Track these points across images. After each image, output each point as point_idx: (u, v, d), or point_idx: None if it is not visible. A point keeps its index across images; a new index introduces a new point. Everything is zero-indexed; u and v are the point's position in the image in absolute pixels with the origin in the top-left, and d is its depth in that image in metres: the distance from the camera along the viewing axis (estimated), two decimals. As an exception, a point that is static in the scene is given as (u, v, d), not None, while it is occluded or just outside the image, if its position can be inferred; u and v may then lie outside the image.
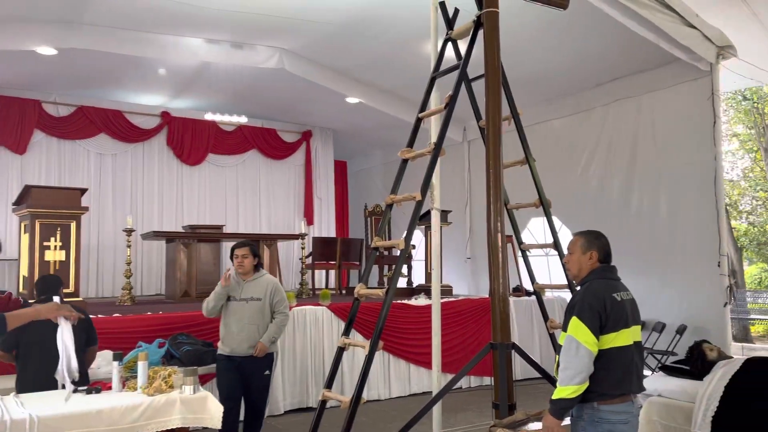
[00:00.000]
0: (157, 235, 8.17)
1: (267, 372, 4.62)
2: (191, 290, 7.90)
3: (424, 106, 4.48)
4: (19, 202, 6.35)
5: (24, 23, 7.02)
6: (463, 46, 4.44)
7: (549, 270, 8.63)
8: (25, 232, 6.03)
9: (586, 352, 2.59)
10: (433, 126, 4.62)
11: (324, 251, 9.51)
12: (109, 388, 3.66)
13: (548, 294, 7.22)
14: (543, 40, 7.31)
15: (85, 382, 3.74)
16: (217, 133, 10.85)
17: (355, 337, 6.30)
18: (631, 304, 2.79)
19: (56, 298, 3.75)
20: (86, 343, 3.98)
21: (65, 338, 3.49)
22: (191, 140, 10.57)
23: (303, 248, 9.30)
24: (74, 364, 3.51)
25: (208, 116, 10.39)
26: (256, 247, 4.73)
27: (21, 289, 6.18)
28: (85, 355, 4.00)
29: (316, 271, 9.89)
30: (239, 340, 4.49)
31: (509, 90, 4.59)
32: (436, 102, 4.57)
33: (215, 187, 10.88)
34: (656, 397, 4.12)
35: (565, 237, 8.33)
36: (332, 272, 9.77)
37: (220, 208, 10.86)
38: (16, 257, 6.99)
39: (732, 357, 4.28)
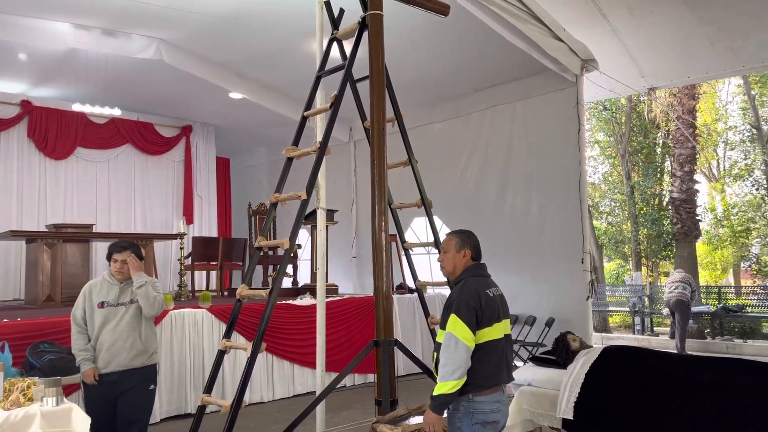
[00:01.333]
0: (14, 234, 7.45)
1: (152, 386, 4.01)
2: (56, 294, 7.29)
3: (309, 104, 4.46)
4: None
5: None
6: (348, 47, 4.47)
7: (431, 268, 8.92)
8: None
9: (464, 348, 2.71)
10: (318, 125, 4.61)
11: (205, 251, 9.16)
12: (-45, 405, 3.28)
13: (429, 291, 7.45)
14: (426, 45, 7.54)
15: None
16: (87, 125, 10.10)
17: (238, 339, 6.14)
18: (501, 299, 2.97)
19: None
20: None
21: None
22: (56, 132, 9.75)
23: (182, 248, 8.89)
24: None
25: (77, 107, 9.59)
26: (140, 248, 4.08)
27: None
28: None
29: (196, 273, 9.50)
30: (115, 352, 3.83)
31: (393, 92, 4.68)
32: (321, 101, 4.57)
33: (84, 184, 10.12)
34: (526, 387, 4.39)
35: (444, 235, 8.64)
36: (213, 273, 9.44)
37: (90, 205, 10.11)
38: None
39: (592, 346, 4.66)
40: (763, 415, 3.20)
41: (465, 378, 2.72)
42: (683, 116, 13.29)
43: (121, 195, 10.54)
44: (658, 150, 16.25)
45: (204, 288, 9.22)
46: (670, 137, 14.42)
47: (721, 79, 14.33)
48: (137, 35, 7.68)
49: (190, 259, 9.15)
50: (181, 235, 8.77)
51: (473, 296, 2.81)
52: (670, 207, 14.43)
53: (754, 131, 15.48)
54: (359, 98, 4.95)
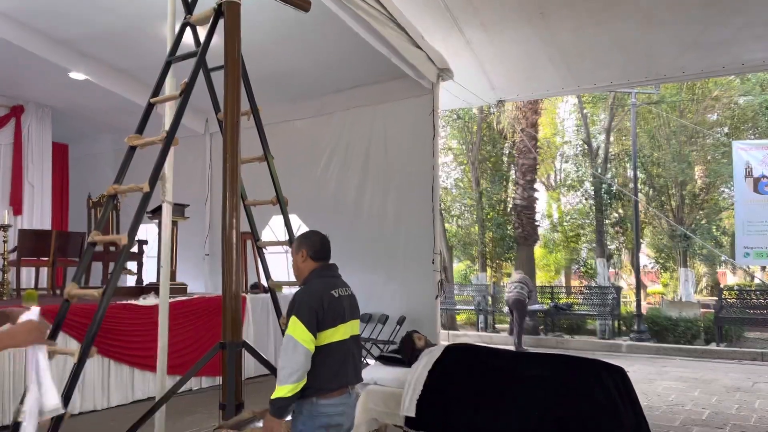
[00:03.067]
0: None
1: None
2: None
3: (157, 90, 4.18)
4: None
5: None
6: (203, 34, 4.25)
7: (288, 267, 8.79)
8: None
9: (303, 350, 2.67)
10: (167, 113, 4.34)
11: (35, 246, 8.25)
12: None
13: (285, 291, 7.34)
14: (288, 41, 7.42)
15: None
16: None
17: (68, 343, 5.59)
18: (350, 299, 2.97)
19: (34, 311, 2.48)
20: None
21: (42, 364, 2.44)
22: None
23: (6, 242, 7.94)
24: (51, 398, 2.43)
25: None
26: None
27: None
28: None
29: (24, 269, 8.54)
30: None
31: (249, 85, 4.54)
32: (171, 88, 4.31)
33: None
34: (373, 386, 4.46)
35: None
36: (45, 270, 8.54)
37: None
38: None
39: (437, 344, 4.86)
40: (571, 403, 3.54)
41: (304, 381, 2.69)
42: (527, 129, 14.39)
43: (-69, 179, 9.20)
44: (505, 159, 17.44)
45: (32, 286, 8.32)
46: (515, 148, 15.53)
47: (559, 96, 15.72)
48: (-45, -2, 6.73)
49: (15, 253, 8.20)
50: (5, 227, 7.82)
51: (315, 297, 2.78)
52: (513, 213, 15.54)
53: (586, 146, 17.17)
54: (213, 89, 4.74)
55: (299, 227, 8.29)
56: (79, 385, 5.61)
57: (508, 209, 16.69)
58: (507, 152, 17.26)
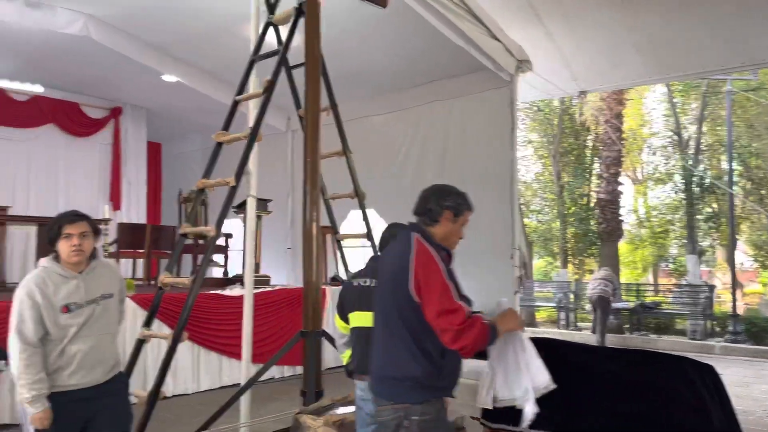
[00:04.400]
0: None
1: (131, 396, 3.23)
2: (-35, 280, 6.85)
3: (242, 89, 4.37)
4: None
5: None
6: (285, 33, 4.39)
7: (365, 260, 8.92)
8: None
9: (335, 329, 3.41)
10: (251, 111, 4.52)
11: (132, 239, 8.82)
12: None
13: (363, 283, 7.43)
14: (366, 37, 7.52)
15: None
16: (6, 102, 9.51)
17: (162, 329, 5.95)
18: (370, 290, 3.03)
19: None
20: None
21: (527, 346, 2.74)
22: (-28, 108, 9.15)
23: (107, 235, 8.54)
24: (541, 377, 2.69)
25: (-5, 82, 9.08)
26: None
27: None
28: None
29: (122, 260, 9.14)
30: (90, 365, 2.83)
31: (329, 81, 4.66)
32: (255, 86, 4.48)
33: (1, 164, 9.53)
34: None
35: (382, 228, 8.61)
36: (141, 261, 9.11)
37: (7, 187, 9.52)
38: None
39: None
40: (654, 400, 3.40)
41: (343, 355, 3.15)
42: (611, 120, 13.85)
43: (42, 177, 10.00)
44: (588, 152, 16.86)
45: (130, 276, 8.89)
46: (599, 140, 14.99)
47: (646, 86, 15.00)
48: (63, 9, 7.27)
49: (115, 246, 8.80)
50: (106, 221, 8.42)
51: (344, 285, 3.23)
52: (596, 207, 15.02)
53: (675, 138, 16.31)
54: (294, 86, 4.89)
55: (377, 221, 8.39)
56: (172, 370, 5.95)
57: (591, 203, 16.14)
58: (590, 144, 16.69)
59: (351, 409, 3.39)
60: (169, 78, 9.00)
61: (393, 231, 3.01)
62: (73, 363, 2.76)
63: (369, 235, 4.84)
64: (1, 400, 5.17)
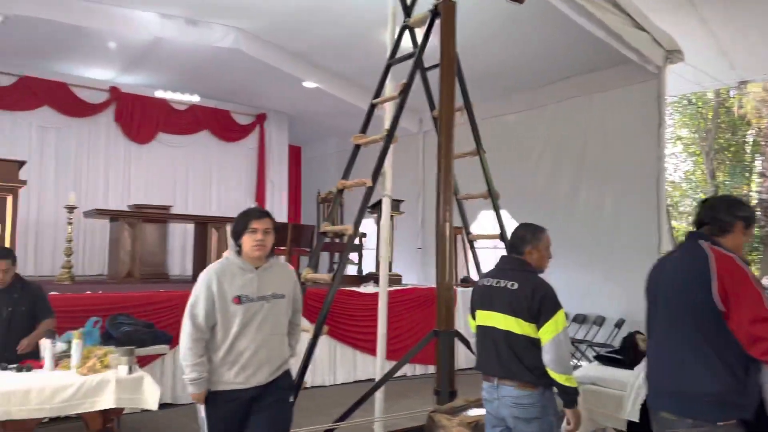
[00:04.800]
0: (100, 213, 7.92)
1: (292, 399, 3.16)
2: (134, 271, 7.70)
3: (378, 92, 4.48)
4: (-49, 173, 6.03)
5: (-38, -16, 6.66)
6: (420, 35, 4.44)
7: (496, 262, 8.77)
8: (-44, 205, 5.75)
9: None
10: (387, 113, 4.62)
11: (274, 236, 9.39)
12: (41, 366, 3.54)
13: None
14: (500, 35, 7.39)
15: (36, 357, 3.63)
16: (168, 111, 10.56)
17: (302, 322, 6.27)
18: (502, 290, 2.94)
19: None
20: (30, 314, 3.85)
21: None
22: (141, 118, 10.25)
23: (253, 232, 9.16)
24: None
25: (159, 94, 10.10)
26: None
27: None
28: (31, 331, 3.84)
29: (266, 256, 9.76)
30: (258, 363, 2.83)
31: (464, 82, 4.64)
32: (391, 89, 4.58)
33: (164, 167, 10.59)
34: (591, 386, 4.25)
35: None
36: (282, 258, 9.68)
37: (169, 188, 10.58)
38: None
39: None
40: None
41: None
42: (777, 113, 12.44)
43: (198, 179, 10.97)
44: (748, 148, 15.27)
45: (272, 272, 9.45)
46: (761, 134, 13.52)
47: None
48: (217, 24, 7.94)
49: (260, 243, 9.41)
50: (252, 220, 9.02)
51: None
52: (758, 209, 13.57)
53: None
54: (429, 87, 4.92)
55: (509, 222, 8.21)
56: (311, 362, 6.25)
57: (752, 205, 14.60)
58: (751, 140, 15.09)
59: (483, 411, 3.35)
60: (309, 84, 9.48)
61: (521, 232, 2.94)
62: (240, 360, 2.77)
63: (502, 236, 4.74)
64: (164, 381, 5.73)
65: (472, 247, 4.94)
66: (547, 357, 2.66)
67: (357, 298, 7.06)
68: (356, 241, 9.17)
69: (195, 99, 10.37)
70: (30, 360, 3.64)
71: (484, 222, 9.35)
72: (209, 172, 11.12)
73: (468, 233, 4.90)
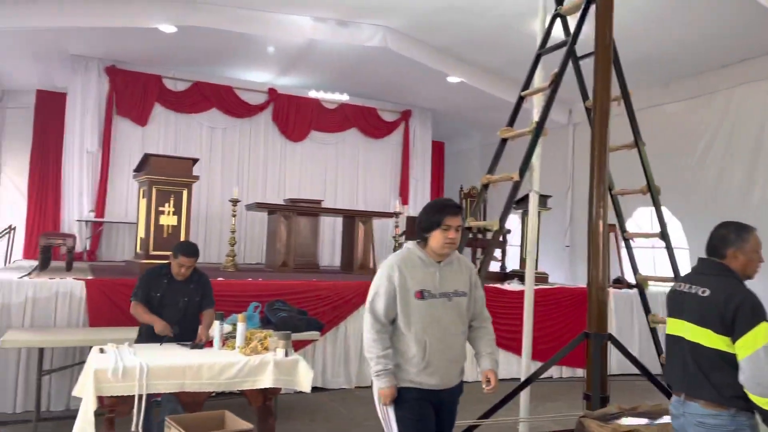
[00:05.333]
0: (260, 206, 8.53)
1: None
2: (289, 261, 8.21)
3: (527, 84, 4.35)
4: (139, 170, 6.84)
5: (149, 2, 7.51)
6: (572, 23, 4.25)
7: (654, 263, 8.17)
8: (143, 197, 6.50)
9: None
10: (535, 105, 4.47)
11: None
12: (211, 345, 3.90)
13: (651, 287, 6.82)
14: (662, 17, 6.83)
15: (192, 338, 4.00)
16: (320, 110, 11.11)
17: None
18: (694, 297, 2.61)
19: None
20: (200, 304, 4.21)
21: None
22: (295, 117, 10.89)
23: (397, 227, 9.39)
24: None
25: (312, 94, 10.65)
26: None
27: (138, 249, 6.68)
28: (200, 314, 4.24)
29: (410, 251, 9.93)
30: (448, 363, 2.72)
31: (620, 69, 4.36)
32: (540, 80, 4.43)
33: (315, 164, 11.16)
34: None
35: (674, 228, 7.81)
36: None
37: (319, 183, 11.14)
38: (135, 221, 7.56)
39: None
40: None
41: None
42: None
43: (346, 175, 11.42)
44: None
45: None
46: None
47: None
48: (366, 24, 8.20)
49: (404, 237, 9.61)
50: (397, 215, 9.25)
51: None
52: None
53: None
54: (581, 77, 4.69)
55: (668, 220, 7.59)
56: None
57: None
58: None
59: (641, 421, 3.13)
60: (453, 79, 9.46)
61: (722, 231, 2.57)
62: (429, 359, 2.63)
63: (663, 235, 4.39)
64: (315, 366, 6.06)
65: (628, 246, 4.62)
66: (743, 376, 2.30)
67: (501, 295, 6.94)
68: (500, 238, 9.02)
69: (344, 98, 10.80)
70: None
71: (639, 219, 8.74)
72: (356, 168, 11.53)
73: (624, 231, 4.60)
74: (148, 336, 4.04)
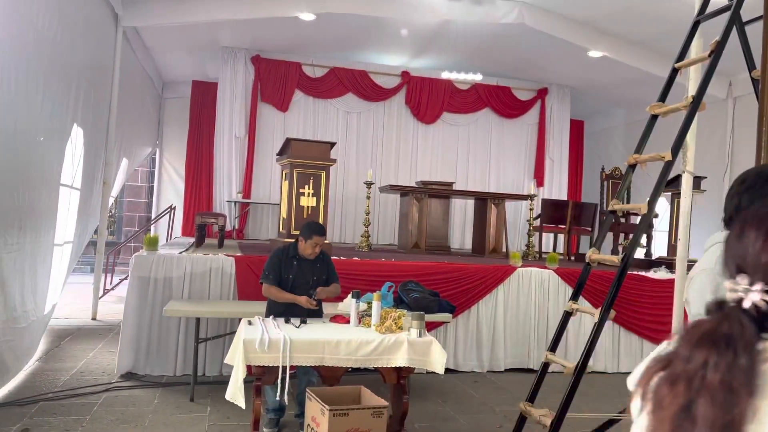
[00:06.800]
0: (393, 188, 8.67)
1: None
2: (421, 242, 8.28)
3: (682, 54, 3.96)
4: (281, 153, 7.22)
5: (289, -8, 7.88)
6: (738, -17, 3.79)
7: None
8: (285, 180, 6.87)
9: None
10: (691, 78, 4.07)
11: (553, 214, 9.19)
12: (347, 322, 4.04)
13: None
14: None
15: (319, 314, 4.17)
16: (452, 91, 11.01)
17: (583, 303, 6.02)
18: None
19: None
20: (327, 281, 4.37)
21: None
22: (428, 99, 10.89)
23: (531, 210, 9.10)
24: None
25: (445, 75, 10.56)
26: None
27: (280, 229, 7.09)
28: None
29: (544, 234, 9.61)
30: None
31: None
32: (697, 50, 4.02)
33: (447, 145, 11.11)
34: None
35: None
36: (561, 236, 9.41)
37: (451, 165, 11.08)
38: (278, 202, 8.03)
39: None
40: None
41: None
42: None
43: (478, 156, 11.25)
44: None
45: (551, 250, 9.29)
46: None
47: None
48: (501, 1, 7.95)
49: (538, 220, 9.30)
50: (531, 197, 8.97)
51: None
52: None
53: None
54: (747, 44, 4.19)
55: None
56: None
57: None
58: None
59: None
60: (594, 54, 8.92)
61: None
62: None
63: None
64: (447, 348, 6.07)
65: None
66: None
67: (646, 283, 6.50)
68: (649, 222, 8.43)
69: (478, 78, 10.58)
70: (313, 316, 4.16)
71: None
72: (489, 149, 11.31)
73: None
74: (282, 314, 4.24)
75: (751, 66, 4.17)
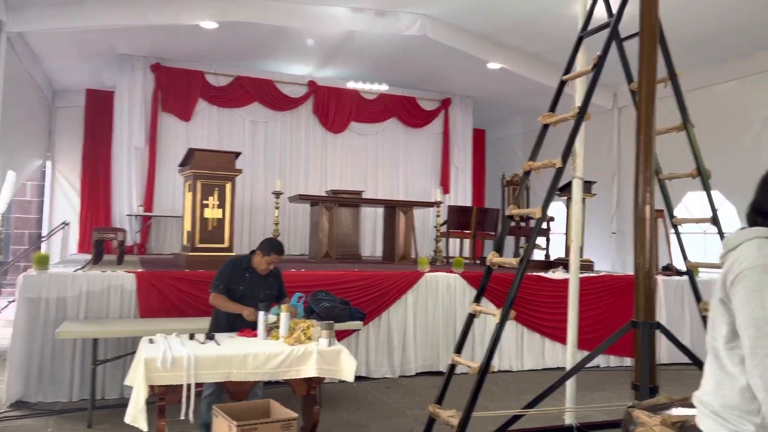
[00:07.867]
0: (302, 198, 8.62)
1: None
2: (332, 251, 8.28)
3: (569, 68, 4.23)
4: (184, 164, 7.00)
5: (190, -1, 7.66)
6: (615, 3, 4.11)
7: (705, 249, 7.90)
8: (188, 191, 6.65)
9: None
10: (578, 90, 4.38)
11: (459, 220, 9.48)
12: (255, 335, 3.97)
13: (702, 275, 6.62)
14: (711, -6, 6.57)
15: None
16: (359, 101, 11.12)
17: (487, 305, 6.23)
18: None
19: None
20: (278, 296, 4.38)
21: None
22: (335, 108, 10.93)
23: (438, 216, 9.35)
24: None
25: (351, 85, 10.66)
26: None
27: (184, 242, 6.85)
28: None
29: (451, 240, 9.90)
30: None
31: (667, 49, 4.21)
32: (582, 64, 4.31)
33: (356, 154, 11.19)
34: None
35: (729, 213, 7.55)
36: (467, 241, 9.73)
37: (360, 174, 11.17)
38: (181, 215, 7.74)
39: None
40: None
41: None
42: None
43: (387, 165, 11.41)
44: None
45: (458, 255, 9.57)
46: None
47: None
48: (404, 13, 8.15)
49: (445, 226, 9.56)
50: (438, 204, 9.21)
51: None
52: None
53: None
54: (626, 58, 4.55)
55: (721, 204, 7.33)
56: (498, 347, 6.23)
57: None
58: None
59: (692, 411, 3.04)
60: (493, 65, 9.32)
61: None
62: None
63: (715, 220, 4.24)
64: (359, 355, 6.10)
65: (677, 232, 4.48)
66: None
67: (545, 283, 6.85)
68: (543, 225, 8.88)
69: (384, 88, 10.77)
70: (248, 330, 4.09)
71: (689, 204, 8.47)
72: (396, 157, 11.50)
73: (672, 216, 4.46)
74: (225, 326, 4.16)
75: (629, 79, 4.53)
